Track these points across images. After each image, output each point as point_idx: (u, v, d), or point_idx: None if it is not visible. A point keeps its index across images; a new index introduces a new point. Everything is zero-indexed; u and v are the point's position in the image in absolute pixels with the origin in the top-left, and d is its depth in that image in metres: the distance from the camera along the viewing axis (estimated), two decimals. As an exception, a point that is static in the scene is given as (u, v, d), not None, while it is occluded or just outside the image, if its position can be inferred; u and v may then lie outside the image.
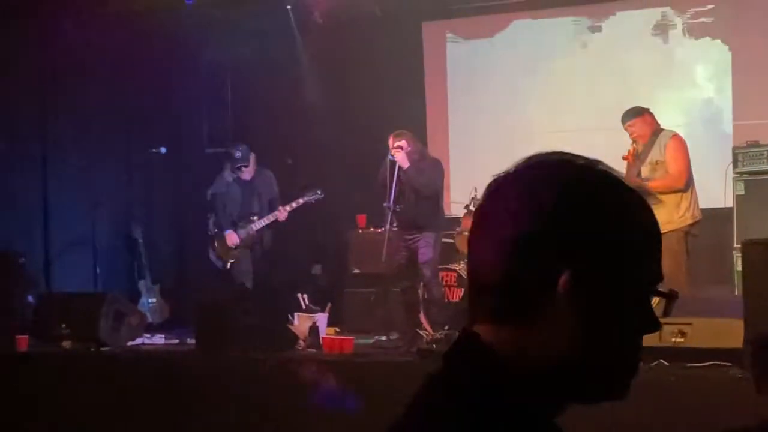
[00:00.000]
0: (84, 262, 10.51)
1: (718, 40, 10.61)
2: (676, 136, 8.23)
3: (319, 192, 9.66)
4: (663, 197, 7.92)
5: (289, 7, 11.18)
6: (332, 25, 11.16)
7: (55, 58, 10.25)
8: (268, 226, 9.78)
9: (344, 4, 10.87)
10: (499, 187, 1.59)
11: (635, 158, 8.17)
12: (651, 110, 8.41)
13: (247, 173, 9.86)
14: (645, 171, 8.12)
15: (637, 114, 8.28)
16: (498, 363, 1.53)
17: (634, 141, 8.29)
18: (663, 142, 8.16)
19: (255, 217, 9.78)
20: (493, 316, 1.56)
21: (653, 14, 10.94)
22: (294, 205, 9.67)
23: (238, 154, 9.78)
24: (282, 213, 9.67)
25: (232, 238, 9.77)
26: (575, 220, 1.52)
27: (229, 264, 9.80)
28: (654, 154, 8.14)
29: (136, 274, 10.94)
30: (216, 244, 9.86)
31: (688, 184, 8.09)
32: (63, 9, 10.09)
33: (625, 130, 8.31)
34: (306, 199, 9.67)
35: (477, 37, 11.66)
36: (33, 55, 10.10)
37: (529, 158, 1.60)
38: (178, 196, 11.73)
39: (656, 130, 8.27)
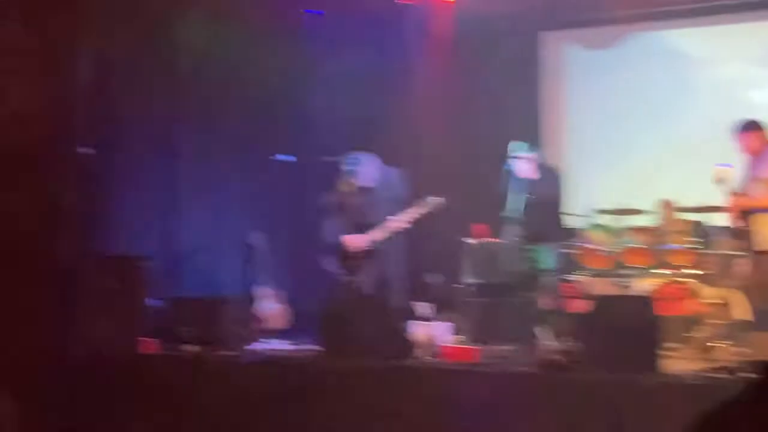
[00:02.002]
0: (207, 266, 10.68)
1: None
2: None
3: (441, 199, 9.44)
4: None
5: (407, 17, 11.26)
6: (450, 34, 11.19)
7: (180, 64, 10.43)
8: (394, 234, 9.61)
9: (462, 13, 10.89)
10: None
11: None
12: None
13: (368, 180, 9.75)
14: (753, 188, 7.94)
15: (755, 128, 8.10)
16: None
17: (750, 152, 8.13)
18: None
19: (376, 225, 9.63)
20: None
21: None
22: (414, 214, 9.48)
23: (349, 165, 9.71)
24: (402, 223, 9.51)
25: (354, 243, 9.73)
26: None
27: (350, 272, 9.76)
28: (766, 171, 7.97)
29: (257, 279, 11.08)
30: (339, 253, 9.92)
31: None
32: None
33: (736, 139, 8.14)
34: (427, 208, 9.47)
35: (596, 47, 11.61)
36: (160, 61, 10.29)
37: None
38: (299, 204, 11.84)
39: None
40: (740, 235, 8.06)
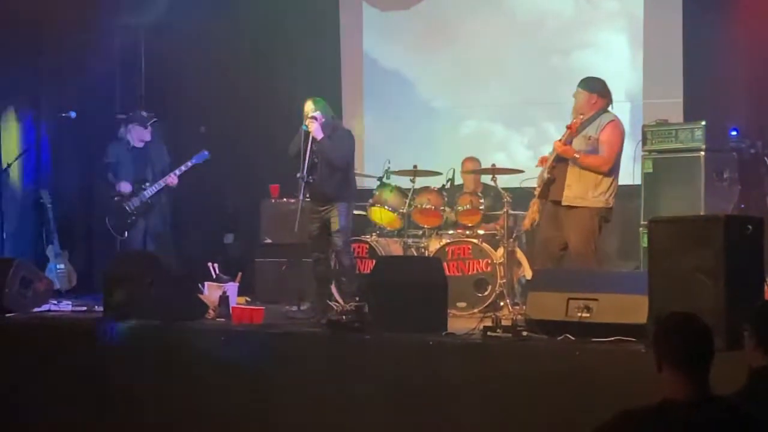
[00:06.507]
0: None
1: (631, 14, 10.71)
2: (615, 121, 8.08)
3: (206, 153, 9.84)
4: (584, 173, 7.94)
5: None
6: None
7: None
8: (163, 192, 9.90)
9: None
10: None
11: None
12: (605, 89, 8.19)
13: (138, 141, 9.98)
14: (576, 142, 8.05)
15: (596, 90, 8.10)
16: None
17: (575, 109, 8.17)
18: (603, 122, 8.01)
19: (147, 184, 9.85)
20: None
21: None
22: (183, 168, 9.83)
23: (143, 119, 9.96)
24: (172, 178, 9.83)
25: (127, 201, 9.86)
26: None
27: (126, 233, 9.83)
28: (590, 130, 8.05)
29: (44, 239, 10.79)
30: (113, 213, 9.88)
31: (612, 171, 7.99)
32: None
33: (576, 91, 8.14)
34: (194, 162, 9.82)
35: (394, 8, 11.63)
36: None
37: None
38: (87, 162, 11.54)
39: (601, 110, 8.10)
40: (546, 185, 8.09)
